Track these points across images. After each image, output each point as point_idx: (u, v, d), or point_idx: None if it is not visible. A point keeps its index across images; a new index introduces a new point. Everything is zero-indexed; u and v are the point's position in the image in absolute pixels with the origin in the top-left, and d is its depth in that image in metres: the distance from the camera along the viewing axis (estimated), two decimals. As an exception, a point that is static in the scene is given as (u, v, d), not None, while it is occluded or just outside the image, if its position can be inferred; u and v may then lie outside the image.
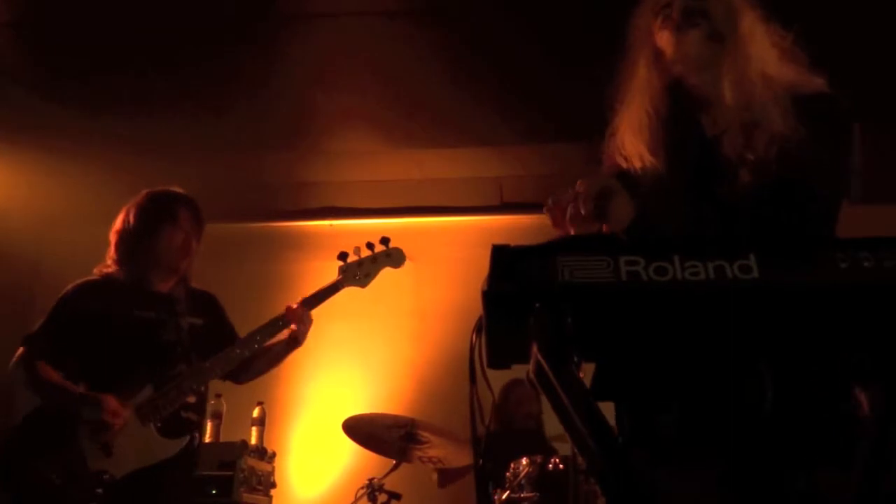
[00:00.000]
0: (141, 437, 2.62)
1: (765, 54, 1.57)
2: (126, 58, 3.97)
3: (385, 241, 3.08)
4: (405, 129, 4.55)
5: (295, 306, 2.90)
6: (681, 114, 1.62)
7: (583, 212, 1.38)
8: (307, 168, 5.14)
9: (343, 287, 3.02)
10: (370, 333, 4.94)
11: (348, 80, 4.16)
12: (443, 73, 3.90)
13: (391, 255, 3.08)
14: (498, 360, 1.05)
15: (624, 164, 1.64)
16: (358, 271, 3.03)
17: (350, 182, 5.22)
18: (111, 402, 2.58)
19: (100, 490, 2.54)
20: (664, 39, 1.61)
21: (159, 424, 2.66)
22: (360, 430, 3.57)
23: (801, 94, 1.55)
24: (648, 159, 1.59)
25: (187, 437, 2.72)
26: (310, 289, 4.96)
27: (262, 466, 3.71)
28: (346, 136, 4.69)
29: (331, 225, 5.39)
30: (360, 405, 4.79)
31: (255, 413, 4.05)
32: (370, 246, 3.07)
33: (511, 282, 0.95)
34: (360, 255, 3.05)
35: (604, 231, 1.43)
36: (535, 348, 0.99)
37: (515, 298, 0.95)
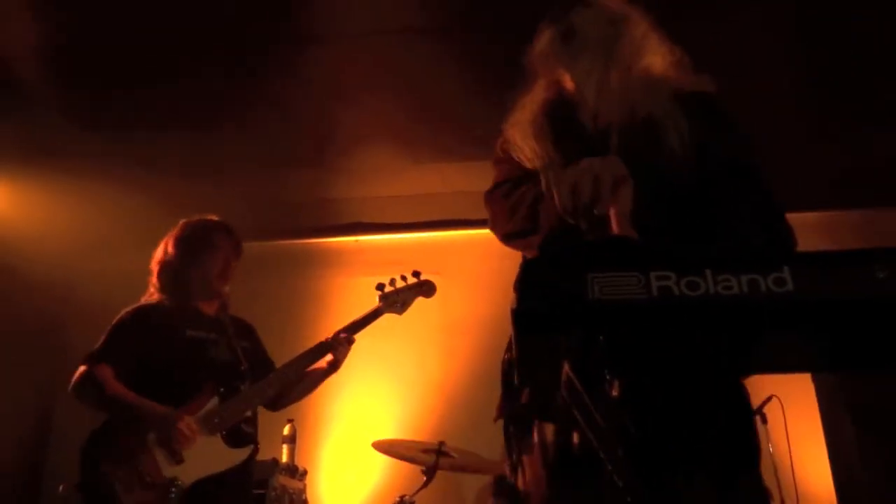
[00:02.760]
0: (208, 446, 2.81)
1: (649, 59, 1.68)
2: (152, 81, 4.02)
3: (417, 273, 3.40)
4: (428, 144, 4.56)
5: (340, 335, 3.15)
6: (561, 108, 1.75)
7: (596, 212, 1.35)
8: (332, 185, 5.16)
9: (383, 314, 3.30)
10: (398, 348, 4.93)
11: (370, 97, 4.17)
12: (465, 86, 3.90)
13: (423, 286, 3.41)
14: (529, 378, 1.04)
15: (512, 153, 1.74)
16: (396, 299, 3.32)
17: (375, 197, 5.23)
18: (188, 417, 2.76)
19: (172, 495, 2.69)
20: (550, 51, 1.76)
21: (224, 434, 2.85)
22: (390, 451, 3.61)
23: (687, 92, 1.63)
24: (533, 146, 1.68)
25: (251, 447, 2.93)
26: (336, 305, 5.02)
27: (294, 484, 3.72)
28: (370, 152, 4.71)
29: (356, 241, 5.41)
30: (389, 421, 4.79)
31: (286, 431, 4.06)
32: (403, 278, 3.38)
33: (541, 300, 0.94)
34: (395, 286, 3.35)
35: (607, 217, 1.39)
36: (566, 367, 0.98)
37: (546, 317, 0.94)
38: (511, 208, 1.64)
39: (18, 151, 4.43)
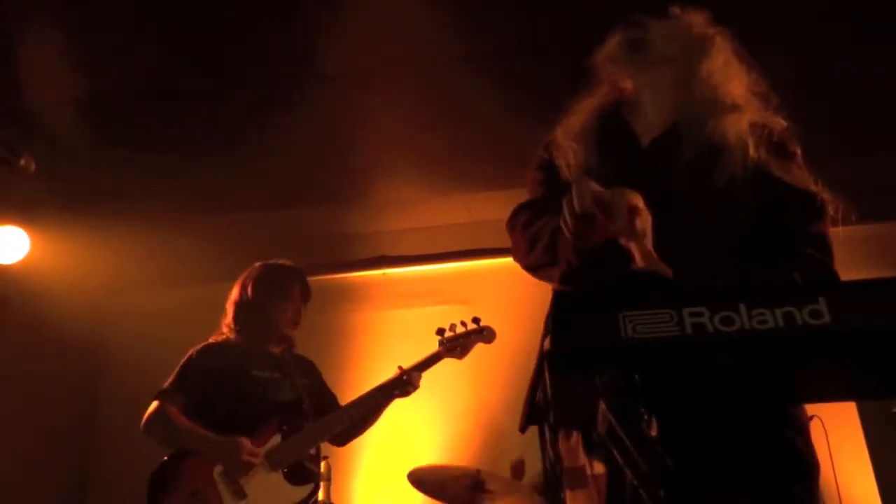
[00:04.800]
0: (271, 482, 2.89)
1: (729, 86, 1.62)
2: (175, 120, 4.09)
3: (476, 320, 3.43)
4: (452, 174, 4.58)
5: (408, 372, 3.26)
6: (616, 115, 1.71)
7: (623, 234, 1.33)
8: (357, 219, 5.19)
9: (443, 358, 3.37)
10: (429, 379, 4.91)
11: (392, 129, 4.20)
12: (488, 115, 3.92)
13: (483, 332, 3.43)
14: (564, 420, 1.03)
15: (555, 157, 1.71)
16: (456, 345, 3.37)
17: (400, 230, 5.25)
18: (248, 443, 2.86)
19: None
20: (617, 56, 1.70)
21: (286, 470, 2.94)
22: (426, 481, 3.56)
23: (760, 124, 1.60)
24: (575, 149, 1.66)
25: (312, 485, 3.02)
26: (365, 339, 5.02)
27: (332, 523, 3.69)
28: (394, 185, 4.73)
29: (384, 274, 5.42)
30: (424, 453, 4.74)
31: (322, 468, 4.04)
32: (463, 323, 3.41)
33: (575, 342, 0.94)
34: (455, 331, 3.39)
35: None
36: (603, 406, 0.97)
37: (580, 358, 0.94)
38: (531, 240, 1.62)
39: (53, 201, 4.51)
